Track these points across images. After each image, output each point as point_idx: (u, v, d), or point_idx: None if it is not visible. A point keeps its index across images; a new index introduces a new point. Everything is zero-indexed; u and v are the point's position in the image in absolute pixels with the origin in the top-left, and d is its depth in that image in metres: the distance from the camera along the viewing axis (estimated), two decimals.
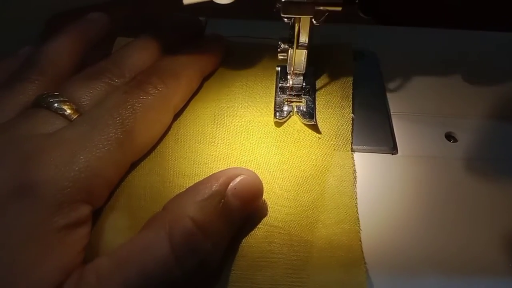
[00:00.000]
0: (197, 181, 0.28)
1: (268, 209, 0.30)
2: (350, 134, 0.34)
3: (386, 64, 0.41)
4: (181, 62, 0.34)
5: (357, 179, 0.32)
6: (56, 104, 0.28)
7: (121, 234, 0.28)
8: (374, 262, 0.28)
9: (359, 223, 0.29)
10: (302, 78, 0.36)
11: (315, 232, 0.29)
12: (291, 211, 0.30)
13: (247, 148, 0.33)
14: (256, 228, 0.29)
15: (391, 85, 0.39)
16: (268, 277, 0.27)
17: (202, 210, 0.26)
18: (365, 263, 0.28)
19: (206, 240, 0.25)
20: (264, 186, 0.29)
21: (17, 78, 0.31)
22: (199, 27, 0.41)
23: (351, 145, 0.34)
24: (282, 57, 0.34)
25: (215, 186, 0.27)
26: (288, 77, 0.36)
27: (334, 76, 0.38)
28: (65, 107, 0.29)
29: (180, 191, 0.28)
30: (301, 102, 0.36)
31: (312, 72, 0.38)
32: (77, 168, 0.26)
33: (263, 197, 0.29)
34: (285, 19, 0.31)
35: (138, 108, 0.29)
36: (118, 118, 0.28)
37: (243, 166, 0.31)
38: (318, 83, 0.38)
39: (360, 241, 0.29)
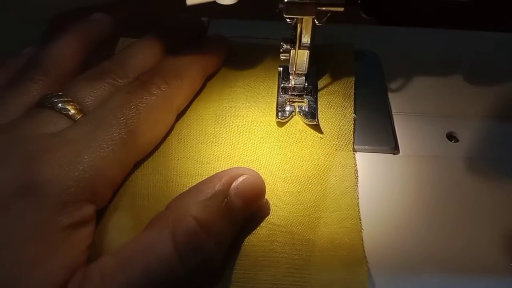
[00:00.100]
0: (200, 180, 0.28)
1: (271, 209, 0.30)
2: (352, 134, 0.34)
3: (387, 64, 0.41)
4: (184, 63, 0.34)
5: (359, 178, 0.32)
6: (60, 104, 0.29)
7: (124, 233, 0.29)
8: (375, 261, 0.28)
9: (360, 223, 0.30)
10: (304, 78, 0.36)
11: (317, 231, 0.29)
12: (293, 210, 0.30)
13: (250, 148, 0.33)
14: (258, 227, 0.29)
15: (393, 85, 0.40)
16: (270, 276, 0.27)
17: (205, 209, 0.26)
18: (366, 262, 0.28)
19: (209, 239, 0.25)
20: (266, 186, 0.29)
21: (21, 78, 0.31)
22: (202, 27, 0.41)
23: (353, 145, 0.34)
24: (284, 57, 0.34)
25: (218, 186, 0.27)
26: (290, 77, 0.36)
27: (336, 76, 0.38)
28: (69, 107, 0.29)
29: (183, 191, 0.28)
30: (303, 102, 0.36)
31: (314, 73, 0.38)
32: (81, 167, 0.26)
33: (266, 196, 0.29)
34: (288, 20, 0.31)
35: (141, 108, 0.30)
36: (122, 118, 0.29)
37: (245, 166, 0.31)
38: (320, 83, 0.38)
39: (362, 240, 0.29)
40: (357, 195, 0.31)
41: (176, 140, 0.34)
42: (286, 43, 0.34)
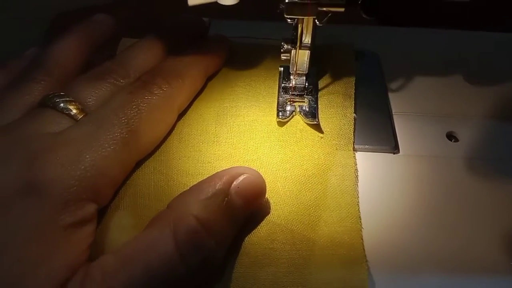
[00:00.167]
0: (201, 179, 0.28)
1: (271, 208, 0.30)
2: (352, 133, 0.34)
3: (387, 64, 0.42)
4: (185, 63, 0.35)
5: (359, 178, 0.32)
6: (62, 104, 0.29)
7: (126, 232, 0.29)
8: (375, 260, 0.28)
9: (360, 222, 0.30)
10: (304, 78, 0.36)
11: (317, 230, 0.29)
12: (293, 209, 0.30)
13: (250, 147, 0.33)
14: (259, 226, 0.29)
15: (393, 85, 0.40)
16: (271, 275, 0.27)
17: (206, 208, 0.26)
18: (366, 261, 0.28)
19: (210, 238, 0.25)
20: (267, 185, 0.29)
21: (23, 78, 0.31)
22: (203, 27, 0.42)
23: (353, 144, 0.34)
24: (285, 57, 0.35)
25: (218, 185, 0.27)
26: (291, 77, 0.37)
27: (336, 76, 0.38)
28: (71, 107, 0.29)
29: (184, 190, 0.28)
30: (304, 102, 0.36)
31: (314, 72, 0.38)
32: (83, 167, 0.26)
33: (266, 195, 0.30)
34: (288, 20, 0.31)
35: (143, 108, 0.30)
36: (123, 118, 0.29)
37: (246, 165, 0.31)
38: (321, 83, 0.38)
39: (362, 239, 0.29)
40: (357, 194, 0.31)
41: (177, 139, 0.34)
42: (287, 43, 0.34)
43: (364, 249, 0.28)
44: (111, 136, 0.28)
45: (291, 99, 0.36)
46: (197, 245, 0.25)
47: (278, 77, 0.39)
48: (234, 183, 0.27)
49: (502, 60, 0.42)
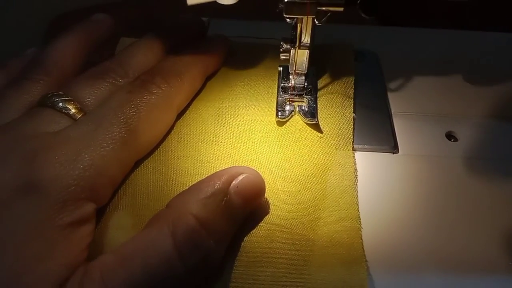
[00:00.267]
0: (200, 179, 0.28)
1: (270, 207, 0.30)
2: (351, 133, 0.34)
3: (387, 64, 0.42)
4: (184, 62, 0.35)
5: (358, 178, 0.32)
6: (60, 104, 0.29)
7: (125, 232, 0.29)
8: (375, 260, 0.28)
9: (360, 221, 0.30)
10: (304, 78, 0.36)
11: (317, 230, 0.29)
12: (292, 209, 0.30)
13: (250, 147, 0.33)
14: (258, 226, 0.29)
15: (392, 85, 0.40)
16: (270, 275, 0.27)
17: (205, 207, 0.26)
18: (366, 260, 0.28)
19: (209, 237, 0.25)
20: (266, 185, 0.29)
21: (22, 78, 0.31)
22: (202, 27, 0.42)
23: (352, 144, 0.34)
24: (284, 57, 0.35)
25: (217, 184, 0.27)
26: (290, 77, 0.37)
27: (335, 76, 0.38)
28: (69, 106, 0.29)
29: (183, 190, 0.28)
30: (303, 101, 0.36)
31: (313, 72, 0.38)
32: (81, 166, 0.26)
33: (265, 195, 0.30)
34: (288, 20, 0.31)
35: (142, 107, 0.30)
36: (122, 117, 0.29)
37: (245, 165, 0.31)
38: (320, 83, 0.38)
39: (361, 239, 0.29)
40: (357, 194, 0.31)
41: (176, 139, 0.34)
42: (286, 43, 0.34)
43: (363, 248, 0.28)
44: (110, 136, 0.28)
45: (290, 99, 0.36)
46: (196, 244, 0.25)
47: (277, 76, 0.38)
48: (233, 182, 0.27)
49: (502, 60, 0.42)
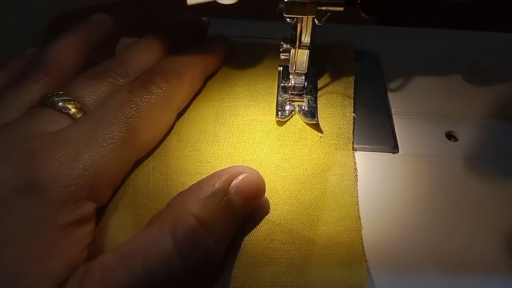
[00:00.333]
0: (200, 179, 0.28)
1: (270, 207, 0.30)
2: (351, 133, 0.34)
3: (387, 64, 0.42)
4: (184, 62, 0.35)
5: (358, 177, 0.32)
6: (60, 103, 0.29)
7: (125, 231, 0.29)
8: (375, 259, 0.28)
9: (360, 221, 0.30)
10: (304, 77, 0.36)
11: (317, 230, 0.29)
12: (293, 209, 0.30)
13: (250, 147, 0.33)
14: (258, 226, 0.29)
15: (392, 85, 0.40)
16: (270, 274, 0.27)
17: (205, 207, 0.26)
18: (366, 260, 0.28)
19: (209, 237, 0.25)
20: (266, 184, 0.29)
21: (22, 78, 0.31)
22: (202, 27, 0.42)
23: (353, 144, 0.34)
24: (284, 57, 0.35)
25: (218, 184, 0.27)
26: (290, 76, 0.37)
27: (335, 76, 0.38)
28: (69, 106, 0.29)
29: (183, 189, 0.28)
30: (303, 101, 0.36)
31: (313, 72, 0.38)
32: (81, 166, 0.26)
33: (265, 195, 0.30)
34: (288, 19, 0.31)
35: (142, 107, 0.30)
36: (122, 117, 0.29)
37: (245, 165, 0.31)
38: (320, 83, 0.38)
39: (361, 239, 0.29)
40: (357, 194, 0.31)
41: (176, 139, 0.34)
42: (286, 43, 0.34)
43: (363, 248, 0.28)
44: (110, 135, 0.28)
45: (290, 99, 0.36)
46: (196, 243, 0.25)
47: (277, 76, 0.38)
48: (234, 182, 0.27)
49: (501, 60, 0.42)
